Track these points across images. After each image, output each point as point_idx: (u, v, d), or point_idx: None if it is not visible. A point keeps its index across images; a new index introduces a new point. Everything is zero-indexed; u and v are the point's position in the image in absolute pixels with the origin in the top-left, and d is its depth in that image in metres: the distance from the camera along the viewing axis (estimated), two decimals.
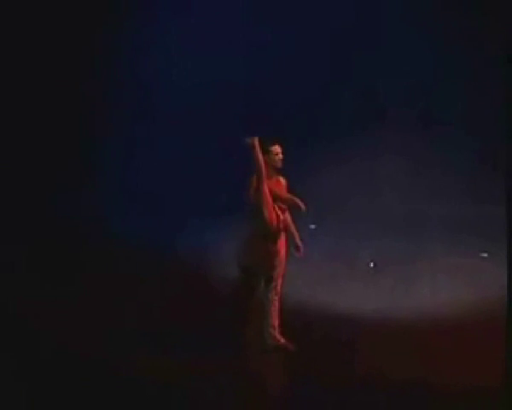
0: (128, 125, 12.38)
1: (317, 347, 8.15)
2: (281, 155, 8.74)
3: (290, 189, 11.48)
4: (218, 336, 8.29)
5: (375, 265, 9.48)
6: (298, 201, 8.48)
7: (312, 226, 11.55)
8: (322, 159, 12.26)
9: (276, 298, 8.32)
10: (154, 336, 8.33)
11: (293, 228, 8.62)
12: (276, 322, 8.21)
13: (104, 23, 12.17)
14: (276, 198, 8.52)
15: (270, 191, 8.47)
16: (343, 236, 11.03)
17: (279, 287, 8.40)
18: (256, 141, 8.50)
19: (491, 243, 10.64)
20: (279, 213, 8.43)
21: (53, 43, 11.74)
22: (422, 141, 12.11)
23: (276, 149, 8.74)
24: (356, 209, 11.65)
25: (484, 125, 12.13)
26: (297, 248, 8.53)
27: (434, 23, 12.13)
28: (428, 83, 12.18)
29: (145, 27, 12.45)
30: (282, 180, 8.77)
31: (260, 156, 8.48)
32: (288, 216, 8.61)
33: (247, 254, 8.33)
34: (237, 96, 12.28)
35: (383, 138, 12.22)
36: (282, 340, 8.15)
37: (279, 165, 8.73)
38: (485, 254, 10.39)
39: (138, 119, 12.39)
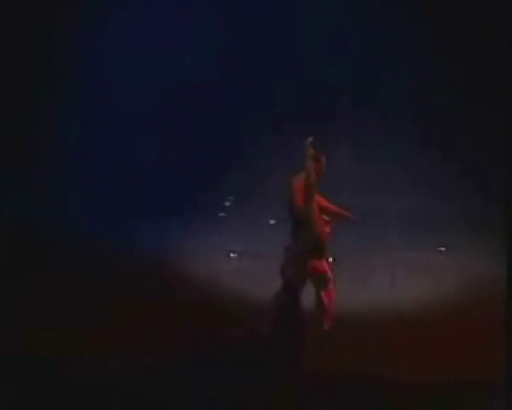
0: (90, 127, 12.31)
1: (278, 341, 8.15)
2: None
3: (249, 185, 11.57)
4: (182, 334, 8.29)
5: (333, 260, 9.50)
6: (346, 212, 8.17)
7: (272, 221, 11.57)
8: (282, 154, 12.30)
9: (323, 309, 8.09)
10: (108, 335, 8.27)
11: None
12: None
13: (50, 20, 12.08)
14: (322, 210, 8.16)
15: (317, 203, 8.09)
16: None
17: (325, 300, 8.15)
18: (311, 150, 8.16)
19: (448, 237, 10.76)
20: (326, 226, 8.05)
21: None
22: (379, 136, 12.20)
23: (324, 158, 8.34)
24: None
25: (441, 120, 12.27)
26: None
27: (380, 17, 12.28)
28: (381, 77, 12.29)
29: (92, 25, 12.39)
30: None
31: (312, 166, 8.13)
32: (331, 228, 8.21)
33: (295, 269, 8.04)
34: (189, 95, 12.29)
35: (339, 134, 12.29)
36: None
37: (322, 176, 8.32)
38: (443, 249, 10.48)
39: (103, 120, 12.32)
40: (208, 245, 10.83)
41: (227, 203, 12.01)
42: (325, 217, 8.12)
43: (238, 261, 10.46)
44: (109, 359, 7.65)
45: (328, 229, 8.09)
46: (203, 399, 7.12)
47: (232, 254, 10.62)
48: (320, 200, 8.14)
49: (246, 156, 12.31)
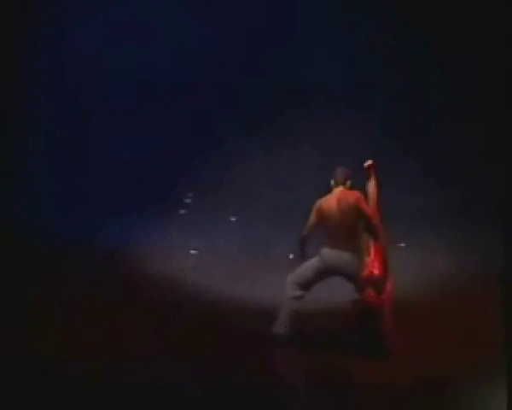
0: (59, 126, 12.22)
1: (238, 339, 8.15)
2: None
3: (209, 182, 11.53)
4: (144, 332, 8.25)
5: (294, 256, 9.52)
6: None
7: (232, 219, 11.58)
8: (242, 152, 12.32)
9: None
10: (70, 335, 8.20)
11: None
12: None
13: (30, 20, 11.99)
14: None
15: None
16: (263, 227, 11.08)
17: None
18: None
19: (408, 233, 10.82)
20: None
21: None
22: (340, 133, 12.24)
23: None
24: (275, 201, 11.73)
25: (407, 114, 12.36)
26: None
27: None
28: (344, 72, 12.36)
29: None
30: None
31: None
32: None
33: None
34: (151, 94, 12.26)
35: (301, 131, 12.32)
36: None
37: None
38: (403, 245, 10.53)
39: (71, 121, 12.25)
40: (168, 242, 10.80)
41: (187, 200, 11.98)
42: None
43: (199, 258, 10.43)
44: (70, 359, 7.59)
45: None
46: (170, 397, 7.10)
47: (193, 251, 10.59)
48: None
49: (206, 153, 12.31)
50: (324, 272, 7.93)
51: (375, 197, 8.13)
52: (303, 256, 8.09)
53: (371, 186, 8.13)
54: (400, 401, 7.10)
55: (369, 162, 8.20)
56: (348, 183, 8.08)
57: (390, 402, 7.08)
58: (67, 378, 7.22)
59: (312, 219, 8.00)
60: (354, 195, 7.96)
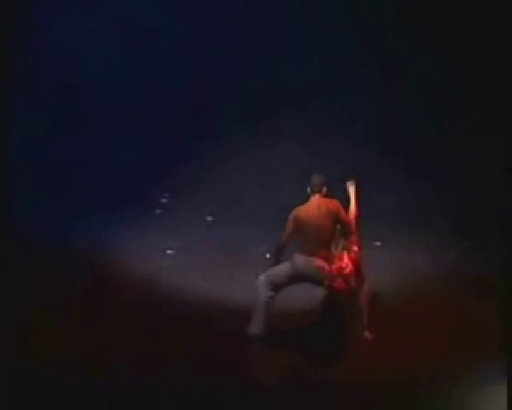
0: (36, 126, 12.16)
1: (214, 339, 8.15)
2: None
3: (185, 182, 11.49)
4: (121, 332, 8.23)
5: (270, 256, 9.53)
6: None
7: (209, 218, 11.56)
8: (219, 151, 12.31)
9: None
10: (44, 336, 8.16)
11: None
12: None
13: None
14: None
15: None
16: (239, 227, 11.08)
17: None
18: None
19: (384, 232, 10.85)
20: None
21: None
22: (319, 134, 12.28)
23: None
24: (252, 200, 11.72)
25: (382, 119, 12.41)
26: None
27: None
28: (325, 75, 12.39)
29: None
30: None
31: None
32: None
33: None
34: (126, 94, 12.22)
35: (279, 129, 12.33)
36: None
37: None
38: (379, 243, 10.57)
39: (47, 120, 12.18)
40: (145, 242, 10.75)
41: (163, 200, 11.95)
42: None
43: (175, 258, 10.41)
44: (44, 359, 7.55)
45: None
46: (146, 397, 7.09)
47: (169, 251, 10.57)
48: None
49: (182, 153, 12.28)
50: (295, 278, 8.05)
51: (355, 215, 8.26)
52: (278, 263, 8.16)
53: (352, 204, 8.25)
54: (376, 399, 7.12)
55: (352, 182, 8.24)
56: (324, 189, 8.16)
57: (365, 401, 7.11)
58: (41, 378, 7.19)
59: (289, 227, 8.09)
60: (334, 203, 8.07)
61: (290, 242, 8.12)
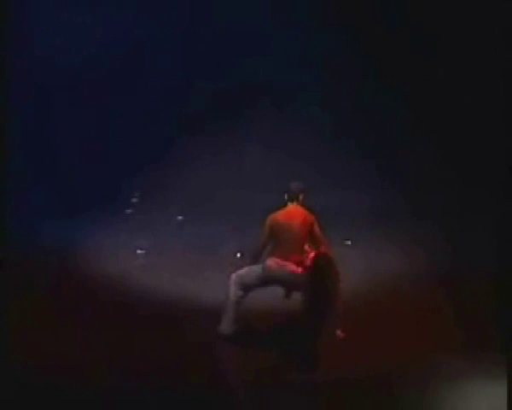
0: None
1: (184, 339, 8.13)
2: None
3: (156, 181, 11.46)
4: (90, 332, 8.18)
5: (242, 255, 9.54)
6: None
7: (180, 218, 11.54)
8: (189, 151, 12.30)
9: None
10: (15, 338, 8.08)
11: None
12: None
13: None
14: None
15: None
16: (210, 227, 11.07)
17: None
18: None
19: (354, 230, 10.89)
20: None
21: None
22: (290, 133, 12.30)
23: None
24: (222, 200, 11.72)
25: (353, 117, 12.45)
26: None
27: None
28: (295, 74, 12.41)
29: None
30: None
31: None
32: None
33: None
34: (98, 94, 12.17)
35: (250, 130, 12.34)
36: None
37: None
38: (349, 242, 10.59)
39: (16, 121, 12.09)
40: (115, 242, 10.72)
41: (134, 200, 11.92)
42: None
43: (145, 258, 10.38)
44: (13, 360, 7.49)
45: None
46: (117, 398, 7.06)
47: (139, 251, 10.54)
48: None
49: (153, 153, 12.26)
50: (267, 281, 8.09)
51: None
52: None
53: None
54: (346, 398, 7.14)
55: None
56: (301, 196, 8.21)
57: (336, 398, 7.12)
58: (10, 378, 7.14)
59: (265, 233, 8.14)
60: (310, 215, 8.13)
61: (266, 247, 8.16)
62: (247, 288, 8.12)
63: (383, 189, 11.96)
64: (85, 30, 12.21)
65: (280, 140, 12.32)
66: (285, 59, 12.51)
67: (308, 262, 7.95)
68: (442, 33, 11.96)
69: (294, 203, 8.22)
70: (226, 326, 8.04)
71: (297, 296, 8.18)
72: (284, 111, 12.48)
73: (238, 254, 9.77)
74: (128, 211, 11.71)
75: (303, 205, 8.20)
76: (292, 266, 8.01)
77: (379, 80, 12.38)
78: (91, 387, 7.13)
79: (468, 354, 7.60)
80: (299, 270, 7.99)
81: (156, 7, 12.38)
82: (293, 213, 8.17)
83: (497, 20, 9.79)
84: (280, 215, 8.18)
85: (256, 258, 8.18)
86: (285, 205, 8.22)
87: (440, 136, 12.18)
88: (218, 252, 10.27)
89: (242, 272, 8.15)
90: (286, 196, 8.26)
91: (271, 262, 8.06)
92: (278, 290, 8.24)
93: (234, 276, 8.13)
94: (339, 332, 8.07)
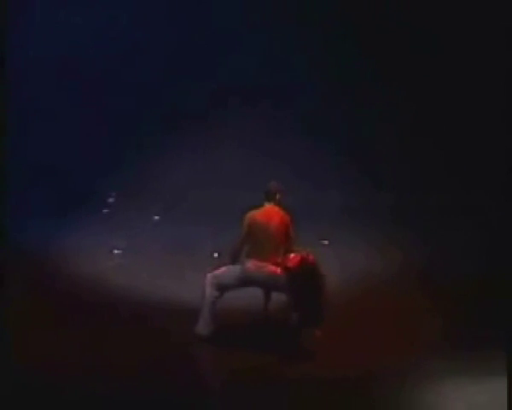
0: None
1: (161, 339, 8.11)
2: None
3: (132, 181, 11.41)
4: (67, 331, 8.13)
5: (219, 255, 9.52)
6: None
7: (156, 217, 11.51)
8: (165, 151, 12.28)
9: None
10: None
11: None
12: None
13: None
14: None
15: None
16: (187, 226, 11.05)
17: None
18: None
19: (331, 230, 10.91)
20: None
21: None
22: (265, 132, 12.31)
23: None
24: (199, 200, 11.71)
25: (329, 116, 12.47)
26: None
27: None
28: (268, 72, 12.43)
29: None
30: None
31: None
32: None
33: None
34: (75, 93, 12.13)
35: (225, 131, 12.34)
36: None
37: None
38: (326, 242, 10.60)
39: None
40: (91, 242, 10.68)
41: (110, 200, 11.89)
42: None
43: (122, 258, 10.34)
44: None
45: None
46: (92, 398, 7.03)
47: (116, 251, 10.50)
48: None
49: (129, 153, 12.24)
50: (245, 282, 8.08)
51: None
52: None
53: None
54: (324, 395, 7.14)
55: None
56: (278, 196, 8.20)
57: (314, 397, 7.13)
58: None
59: (244, 231, 8.12)
60: (286, 216, 8.15)
61: (245, 245, 8.15)
62: (223, 288, 8.11)
63: (360, 189, 11.99)
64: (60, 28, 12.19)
65: (257, 140, 12.32)
66: (261, 59, 12.52)
67: (290, 264, 7.93)
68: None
69: (271, 203, 8.22)
70: (203, 327, 8.03)
71: (275, 297, 8.21)
72: (261, 111, 12.48)
73: (215, 254, 9.76)
74: (105, 211, 11.67)
75: (279, 205, 8.20)
76: (271, 268, 8.00)
77: (360, 79, 12.42)
78: (65, 387, 7.10)
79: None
80: (279, 271, 7.98)
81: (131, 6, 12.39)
82: (270, 213, 8.17)
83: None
84: (258, 215, 8.17)
85: (235, 257, 8.16)
86: (262, 205, 8.22)
87: (416, 135, 12.24)
88: (195, 252, 10.25)
89: (219, 272, 8.13)
90: (263, 197, 8.26)
91: (250, 264, 8.06)
92: (255, 290, 8.24)
93: (209, 276, 8.11)
94: (317, 331, 8.08)
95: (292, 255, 7.99)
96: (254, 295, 8.34)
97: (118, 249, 10.52)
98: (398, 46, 12.22)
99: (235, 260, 8.16)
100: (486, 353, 7.51)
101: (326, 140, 12.34)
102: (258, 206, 8.19)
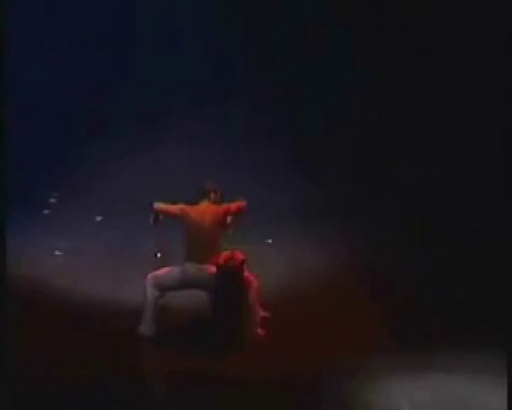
0: None
1: (104, 340, 8.05)
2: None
3: (74, 182, 11.30)
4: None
5: (162, 255, 9.46)
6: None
7: (98, 219, 11.44)
8: (109, 150, 12.22)
9: None
10: None
11: None
12: None
13: None
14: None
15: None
16: (129, 228, 10.99)
17: None
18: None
19: (275, 229, 10.93)
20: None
21: None
22: (206, 131, 12.31)
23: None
24: (141, 201, 11.61)
25: (272, 115, 12.51)
26: None
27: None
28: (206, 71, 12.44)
29: None
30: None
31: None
32: None
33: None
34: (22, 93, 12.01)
35: (167, 131, 12.33)
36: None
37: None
38: (270, 241, 10.63)
39: None
40: (32, 243, 10.56)
41: (52, 200, 11.77)
42: None
43: (64, 259, 10.24)
44: None
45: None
46: (37, 398, 6.96)
47: (57, 252, 10.39)
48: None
49: (71, 153, 12.17)
50: (186, 284, 8.09)
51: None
52: (155, 224, 8.27)
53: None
54: (264, 396, 7.16)
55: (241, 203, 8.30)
56: (212, 196, 8.19)
57: (253, 397, 7.14)
58: None
59: (174, 208, 8.10)
60: (220, 208, 8.16)
61: (168, 216, 8.15)
62: (164, 289, 8.10)
63: (303, 188, 12.03)
64: None
65: (199, 140, 12.32)
66: (200, 59, 12.51)
67: (221, 261, 7.95)
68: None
69: (206, 201, 8.19)
70: (146, 327, 8.00)
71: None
72: (203, 110, 12.47)
73: (158, 255, 9.70)
74: (46, 212, 11.57)
75: (216, 203, 8.17)
76: (210, 269, 8.01)
77: (305, 78, 12.47)
78: (7, 387, 7.00)
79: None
80: (215, 270, 8.00)
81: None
82: (204, 211, 8.14)
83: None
84: (192, 211, 8.15)
85: (156, 218, 8.14)
86: (198, 202, 8.20)
87: (365, 135, 12.32)
88: (136, 252, 10.18)
89: (159, 273, 8.14)
90: (200, 195, 8.23)
91: (190, 267, 8.05)
92: (198, 291, 8.22)
93: (150, 277, 8.12)
94: (260, 331, 8.07)
95: (224, 253, 8.02)
96: (198, 294, 8.33)
97: (59, 251, 10.43)
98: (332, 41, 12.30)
99: (155, 219, 8.18)
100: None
101: (270, 139, 12.38)
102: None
